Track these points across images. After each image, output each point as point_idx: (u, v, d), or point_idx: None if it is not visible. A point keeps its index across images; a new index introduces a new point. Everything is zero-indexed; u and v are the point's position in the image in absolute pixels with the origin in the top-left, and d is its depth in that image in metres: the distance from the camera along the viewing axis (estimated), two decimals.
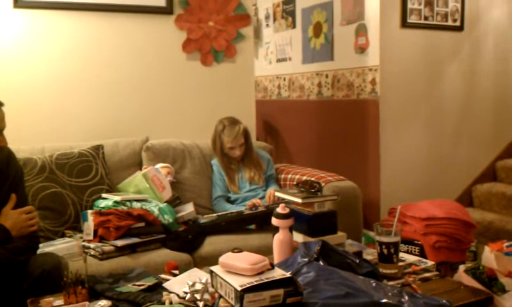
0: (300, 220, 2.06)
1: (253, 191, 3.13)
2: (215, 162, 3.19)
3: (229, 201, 3.13)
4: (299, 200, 2.04)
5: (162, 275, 1.93)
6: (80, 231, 2.62)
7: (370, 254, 2.08)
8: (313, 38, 4.87)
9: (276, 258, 1.90)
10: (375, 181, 4.23)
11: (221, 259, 1.57)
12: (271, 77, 5.59)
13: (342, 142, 4.58)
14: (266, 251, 2.55)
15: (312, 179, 2.57)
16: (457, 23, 4.41)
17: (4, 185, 2.03)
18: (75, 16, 3.14)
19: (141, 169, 3.01)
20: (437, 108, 4.37)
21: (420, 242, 2.80)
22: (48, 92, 3.11)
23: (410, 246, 2.82)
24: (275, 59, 5.52)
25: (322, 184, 2.87)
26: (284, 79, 5.37)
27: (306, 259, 1.64)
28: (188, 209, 2.83)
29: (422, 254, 2.76)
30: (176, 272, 1.96)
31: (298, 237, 2.05)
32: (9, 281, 1.94)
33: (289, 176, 3.18)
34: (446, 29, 4.37)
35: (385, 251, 1.86)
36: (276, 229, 1.97)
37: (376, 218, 4.24)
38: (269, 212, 2.74)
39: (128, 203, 2.63)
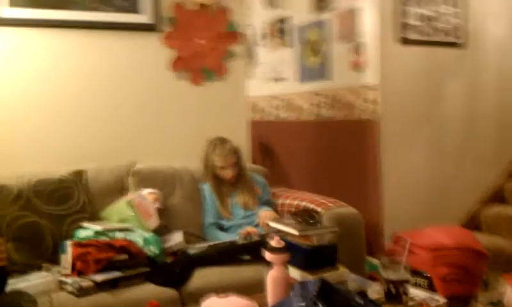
0: (297, 254, 1.86)
1: (247, 218, 2.92)
2: (205, 187, 2.99)
3: (222, 229, 2.92)
4: (296, 232, 1.84)
5: None
6: (58, 263, 2.40)
7: (376, 292, 1.86)
8: (311, 57, 4.70)
9: (270, 298, 1.69)
10: (377, 205, 4.02)
11: (204, 305, 1.35)
12: (268, 97, 5.40)
13: (342, 164, 4.38)
14: (261, 285, 2.34)
15: (311, 207, 2.36)
16: (460, 40, 4.24)
17: None
18: (54, 34, 2.99)
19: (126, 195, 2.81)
20: (439, 127, 4.18)
21: (428, 274, 2.58)
22: (26, 113, 2.94)
23: (418, 278, 2.60)
24: (271, 79, 5.34)
25: (322, 211, 2.67)
26: (282, 100, 5.18)
27: (303, 304, 1.43)
28: (177, 239, 2.62)
29: (431, 287, 2.54)
30: None
31: (295, 273, 1.85)
32: None
33: (287, 201, 2.98)
34: (448, 45, 4.20)
35: (393, 289, 1.64)
36: (269, 264, 1.76)
37: (379, 243, 4.02)
38: (265, 241, 2.55)
39: (110, 234, 2.42)
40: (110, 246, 2.33)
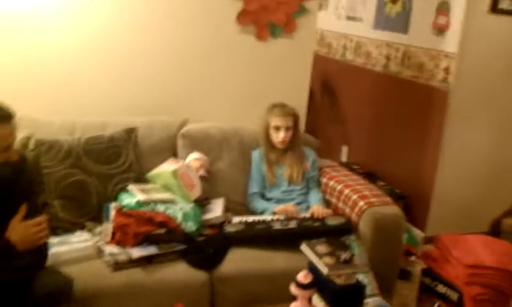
0: (324, 286, 1.85)
1: (289, 193, 2.91)
2: (255, 154, 2.98)
3: (267, 198, 2.93)
4: (325, 270, 1.81)
5: None
6: (102, 222, 2.51)
7: None
8: (390, 3, 4.37)
9: None
10: (430, 177, 3.91)
11: None
12: (338, 34, 5.15)
13: (402, 126, 4.22)
14: (292, 276, 2.38)
15: (346, 243, 2.29)
16: None
17: (15, 195, 1.91)
18: None
19: (175, 156, 2.84)
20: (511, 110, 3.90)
21: (459, 289, 2.53)
22: (82, 62, 2.92)
23: (449, 290, 2.57)
24: (344, 16, 5.05)
25: (364, 206, 2.62)
26: (351, 41, 4.93)
27: None
28: (217, 212, 2.67)
29: (460, 303, 2.51)
30: None
31: (319, 304, 1.85)
32: (10, 300, 1.86)
33: (331, 183, 2.93)
34: None
35: None
36: (292, 297, 1.78)
37: (424, 216, 3.96)
38: (301, 231, 2.56)
39: (152, 205, 2.48)
40: (150, 220, 2.40)
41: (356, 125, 4.81)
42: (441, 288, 2.58)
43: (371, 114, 4.59)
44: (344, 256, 1.84)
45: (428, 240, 3.94)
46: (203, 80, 3.16)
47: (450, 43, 3.72)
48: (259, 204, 2.87)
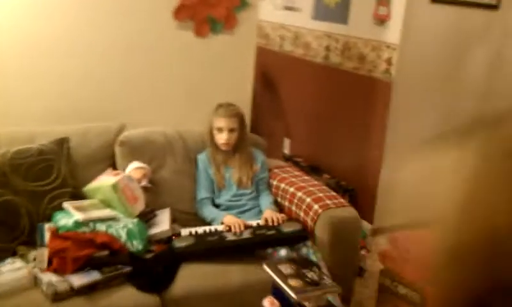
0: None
1: (239, 197, 2.75)
2: (201, 157, 2.79)
3: (214, 205, 2.76)
4: (294, 296, 1.67)
5: None
6: (35, 245, 2.25)
7: None
8: None
9: None
10: (375, 168, 3.86)
11: None
12: (275, 25, 5.01)
13: (345, 117, 4.15)
14: (249, 291, 2.25)
15: (312, 260, 2.16)
16: (493, 1, 3.83)
17: None
18: None
19: (113, 166, 2.61)
20: (455, 99, 3.89)
21: (421, 290, 2.46)
22: (3, 63, 2.60)
23: (410, 291, 2.50)
24: (282, 6, 4.92)
25: (319, 210, 2.50)
26: (289, 31, 4.81)
27: None
28: (163, 225, 2.47)
29: (423, 304, 2.44)
30: None
31: None
32: None
33: (282, 185, 2.79)
34: (479, 6, 3.81)
35: None
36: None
37: (371, 208, 3.91)
38: (256, 241, 2.41)
39: (91, 224, 2.25)
40: (90, 242, 2.17)
41: (297, 118, 4.71)
42: (401, 289, 2.51)
43: (313, 106, 4.50)
44: (311, 275, 1.70)
45: (376, 232, 3.91)
46: (140, 81, 2.93)
47: (392, 33, 3.66)
48: (208, 212, 2.70)
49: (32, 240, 2.27)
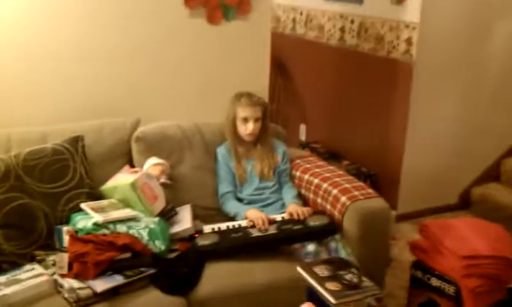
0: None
1: (261, 191, 2.64)
2: (220, 150, 2.69)
3: (238, 199, 2.65)
4: (332, 300, 1.56)
5: None
6: (54, 249, 2.17)
7: None
8: None
9: None
10: (398, 152, 3.75)
11: None
12: (286, 7, 4.86)
13: (364, 101, 4.03)
14: (276, 289, 2.16)
15: (349, 261, 2.03)
16: None
17: None
18: None
19: (130, 164, 2.51)
20: (477, 75, 3.78)
21: (456, 282, 2.36)
22: (12, 63, 2.50)
23: (444, 283, 2.39)
24: None
25: (347, 203, 2.39)
26: (301, 13, 4.67)
27: None
28: (185, 223, 2.37)
29: (458, 296, 2.34)
30: None
31: None
32: None
33: (306, 176, 2.68)
34: None
35: None
36: None
37: (394, 193, 3.81)
38: (282, 236, 2.31)
39: (111, 226, 2.15)
40: (111, 244, 2.07)
41: (314, 103, 4.59)
42: (434, 282, 2.41)
43: (329, 91, 4.37)
44: (349, 277, 1.59)
45: (400, 218, 3.81)
46: (153, 74, 2.83)
47: (411, 12, 3.53)
48: (231, 206, 2.59)
49: (50, 244, 2.20)
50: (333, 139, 4.36)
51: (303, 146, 4.56)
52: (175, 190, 2.53)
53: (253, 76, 3.01)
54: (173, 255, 2.24)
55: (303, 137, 4.70)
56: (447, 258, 2.40)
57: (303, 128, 4.71)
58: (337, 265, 1.71)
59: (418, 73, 3.51)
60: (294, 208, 2.44)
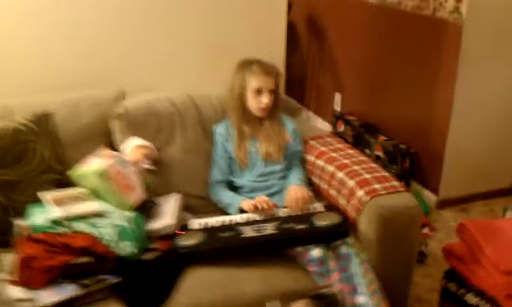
0: None
1: (266, 177, 2.23)
2: (220, 130, 2.28)
3: (232, 187, 2.25)
4: None
5: None
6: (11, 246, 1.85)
7: None
8: None
9: None
10: (442, 128, 3.22)
11: None
12: None
13: (405, 68, 3.50)
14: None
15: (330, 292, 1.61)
16: None
17: None
18: None
19: (111, 145, 2.15)
20: None
21: (497, 302, 1.88)
22: None
23: (482, 301, 1.92)
24: None
25: (366, 199, 1.94)
26: None
27: None
28: (166, 218, 1.99)
29: None
30: None
31: None
32: None
33: (319, 162, 2.23)
34: None
35: None
36: None
37: (437, 175, 3.30)
38: (281, 238, 1.90)
39: (72, 223, 1.80)
40: (66, 247, 1.73)
41: (350, 69, 4.08)
42: (471, 298, 1.95)
43: (367, 55, 3.85)
44: None
45: (442, 204, 3.31)
46: (144, 35, 2.45)
47: None
48: (223, 195, 2.21)
49: (8, 241, 1.87)
50: (370, 110, 3.87)
51: (336, 117, 4.08)
52: (162, 176, 2.16)
53: (266, 43, 2.56)
54: (149, 257, 1.88)
55: (337, 108, 4.22)
56: (487, 270, 1.93)
57: (337, 97, 4.21)
58: (325, 303, 1.28)
59: (468, 35, 2.95)
60: (293, 190, 2.03)
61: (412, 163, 3.43)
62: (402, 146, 3.46)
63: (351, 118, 3.96)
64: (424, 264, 2.78)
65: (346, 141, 3.74)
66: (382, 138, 3.59)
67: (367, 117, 3.87)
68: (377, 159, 3.53)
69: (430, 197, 3.35)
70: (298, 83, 4.54)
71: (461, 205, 3.34)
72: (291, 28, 4.37)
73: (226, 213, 2.13)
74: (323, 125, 4.34)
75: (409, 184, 3.45)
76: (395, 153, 3.44)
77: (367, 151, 3.62)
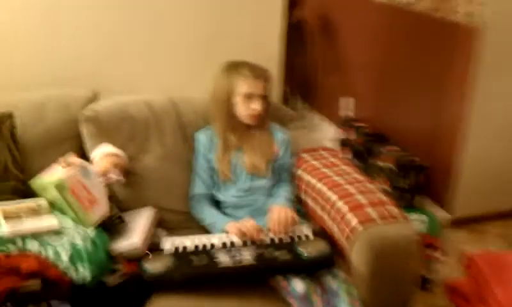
0: None
1: (250, 193, 2.01)
2: (201, 138, 2.07)
3: (215, 201, 2.05)
4: None
5: None
6: None
7: None
8: None
9: None
10: (457, 139, 2.95)
11: None
12: None
13: (418, 73, 3.25)
14: None
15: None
16: None
17: None
18: None
19: (80, 150, 1.95)
20: None
21: None
22: None
23: None
24: None
25: (359, 228, 1.69)
26: None
27: None
28: (132, 238, 1.77)
29: None
30: None
31: None
32: None
33: (307, 178, 2.00)
34: None
35: None
36: None
37: (450, 192, 3.03)
38: (261, 268, 1.68)
39: (20, 241, 1.59)
40: (12, 270, 1.52)
41: (359, 74, 3.83)
42: None
43: (377, 57, 3.61)
44: None
45: (455, 223, 3.05)
46: (122, 31, 2.25)
47: None
48: (206, 213, 2.00)
49: None
50: (380, 117, 3.63)
51: (345, 124, 3.83)
52: (135, 188, 1.95)
53: (258, 40, 2.32)
54: (111, 281, 1.67)
55: (348, 113, 3.97)
56: None
57: (349, 102, 3.96)
58: None
59: (486, 40, 2.69)
60: (276, 211, 1.82)
61: (425, 178, 3.17)
62: (415, 159, 3.19)
63: (361, 125, 3.70)
64: (430, 292, 2.52)
65: (351, 149, 3.53)
66: (393, 148, 3.33)
67: (376, 124, 3.62)
68: (390, 171, 3.24)
69: (442, 215, 3.09)
70: (306, 84, 4.32)
71: (477, 225, 3.08)
72: (300, 27, 4.14)
73: (207, 231, 1.91)
74: (329, 130, 4.09)
75: (419, 200, 3.19)
76: (407, 167, 3.17)
77: (379, 162, 3.33)
